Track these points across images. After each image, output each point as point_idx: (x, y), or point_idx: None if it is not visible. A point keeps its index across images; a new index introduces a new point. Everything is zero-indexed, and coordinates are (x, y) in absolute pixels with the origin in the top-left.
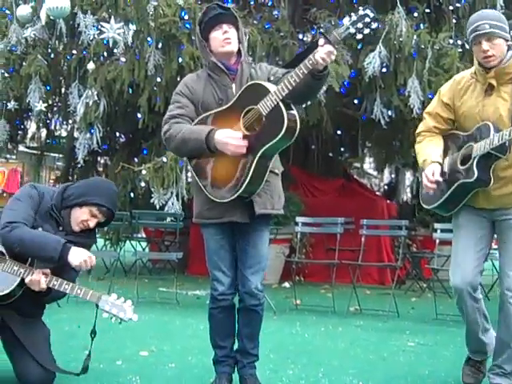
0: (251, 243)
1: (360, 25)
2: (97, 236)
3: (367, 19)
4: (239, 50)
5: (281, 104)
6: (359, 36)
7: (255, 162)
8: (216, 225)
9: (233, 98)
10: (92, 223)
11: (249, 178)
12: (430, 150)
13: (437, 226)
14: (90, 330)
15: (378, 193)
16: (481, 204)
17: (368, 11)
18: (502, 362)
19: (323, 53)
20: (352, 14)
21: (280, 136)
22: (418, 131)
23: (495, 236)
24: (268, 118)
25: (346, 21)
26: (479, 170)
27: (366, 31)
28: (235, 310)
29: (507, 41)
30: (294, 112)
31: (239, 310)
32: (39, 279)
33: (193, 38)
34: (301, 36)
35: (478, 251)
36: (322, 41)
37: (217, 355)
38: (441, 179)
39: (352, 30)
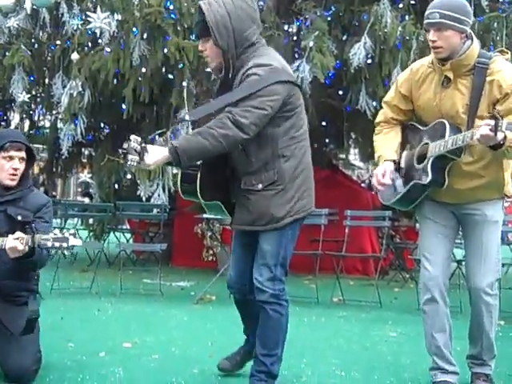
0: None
1: None
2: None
3: None
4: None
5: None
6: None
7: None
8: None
9: None
10: (15, 164)
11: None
12: (385, 146)
13: None
14: (73, 324)
15: (363, 184)
16: (443, 198)
17: None
18: (479, 354)
19: None
20: None
21: None
22: (376, 121)
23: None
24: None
25: None
26: (433, 171)
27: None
28: (249, 305)
29: (462, 33)
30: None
31: None
32: (15, 245)
33: (178, 28)
34: (286, 27)
35: (446, 243)
36: None
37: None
38: (390, 183)
39: None
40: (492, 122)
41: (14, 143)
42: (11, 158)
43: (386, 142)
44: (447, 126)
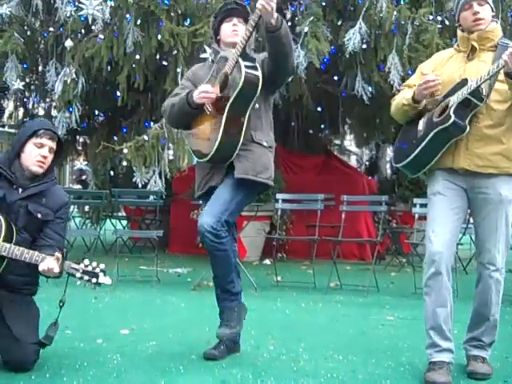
0: (216, 192)
1: None
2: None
3: None
4: None
5: (239, 59)
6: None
7: (225, 116)
8: (204, 195)
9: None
10: (44, 152)
11: (221, 131)
12: (406, 92)
13: (416, 200)
14: (70, 311)
15: (358, 169)
16: (461, 163)
17: None
18: (480, 335)
19: (262, 0)
20: None
21: (240, 85)
22: (393, 99)
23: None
24: (231, 75)
25: None
26: (456, 115)
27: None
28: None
29: (493, 10)
30: (256, 71)
31: None
32: (53, 267)
33: (172, 14)
34: (280, 13)
35: (455, 220)
36: None
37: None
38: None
39: None
40: None
41: (48, 131)
42: (42, 145)
43: (409, 90)
44: (469, 79)
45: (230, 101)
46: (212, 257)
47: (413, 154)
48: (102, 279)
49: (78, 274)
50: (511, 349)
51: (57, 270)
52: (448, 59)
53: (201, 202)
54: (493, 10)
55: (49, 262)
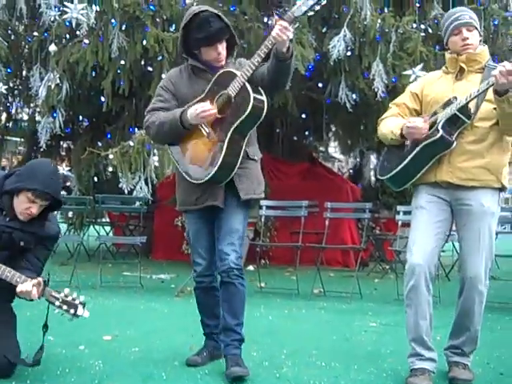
0: (226, 221)
1: (311, 1)
2: (57, 223)
3: None
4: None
5: (247, 84)
6: (310, 13)
7: (226, 142)
8: (197, 210)
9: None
10: (34, 209)
11: (222, 156)
12: (396, 121)
13: (399, 208)
14: (52, 316)
15: (343, 176)
16: (444, 177)
17: None
18: (461, 344)
19: (278, 29)
20: None
21: (247, 112)
22: (380, 118)
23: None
24: (236, 99)
25: (299, 2)
26: (444, 130)
27: (317, 7)
28: (217, 292)
29: (480, 35)
30: (262, 96)
31: (220, 286)
32: (31, 290)
33: (157, 20)
34: (266, 19)
35: (437, 234)
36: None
37: (204, 330)
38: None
39: (304, 9)
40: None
41: (43, 194)
42: (34, 202)
43: (396, 119)
44: (459, 96)
45: (235, 125)
46: (233, 293)
47: (398, 168)
48: (80, 311)
49: (57, 303)
50: (493, 355)
51: (35, 296)
52: (437, 79)
53: (186, 214)
54: (480, 35)
55: (27, 286)
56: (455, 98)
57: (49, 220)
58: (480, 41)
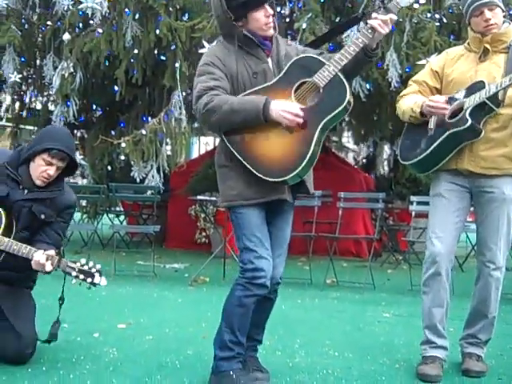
0: (279, 227)
1: None
2: (72, 192)
3: None
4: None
5: (340, 75)
6: (416, 5)
7: (316, 135)
8: (259, 204)
9: (278, 73)
10: (51, 171)
11: (310, 152)
12: (416, 98)
13: (413, 198)
14: (67, 305)
15: (356, 166)
16: (465, 165)
17: None
18: (477, 332)
19: (377, 23)
20: None
21: (343, 106)
22: (400, 95)
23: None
24: (326, 90)
25: None
26: (472, 118)
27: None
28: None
29: (503, 11)
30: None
31: None
32: (44, 262)
33: (170, 9)
34: (279, 9)
35: (456, 222)
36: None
37: (233, 351)
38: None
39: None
40: None
41: (61, 153)
42: (51, 163)
43: (416, 96)
44: (485, 81)
45: (326, 119)
46: (267, 309)
47: (423, 154)
48: (98, 279)
49: (74, 273)
50: (506, 346)
51: (49, 267)
52: (459, 57)
53: (238, 208)
54: (503, 11)
55: (41, 257)
56: (482, 82)
57: (64, 188)
58: (504, 16)
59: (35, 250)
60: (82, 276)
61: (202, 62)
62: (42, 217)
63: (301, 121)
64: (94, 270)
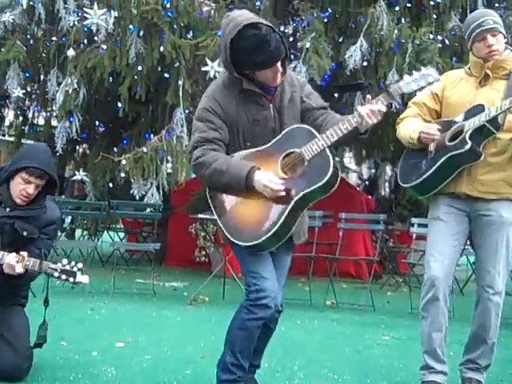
0: (280, 253)
1: (422, 83)
2: (57, 208)
3: (430, 79)
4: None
5: (327, 150)
6: (418, 93)
7: (290, 207)
8: None
9: (279, 121)
10: (30, 189)
11: (281, 221)
12: (414, 124)
13: (414, 220)
14: (66, 322)
15: (358, 188)
16: (463, 188)
17: (432, 71)
18: (476, 357)
19: (366, 112)
20: (414, 71)
21: (323, 182)
22: (400, 117)
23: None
24: (311, 163)
25: (408, 77)
26: (472, 141)
27: (426, 90)
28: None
29: (505, 37)
30: (337, 166)
31: None
32: (13, 264)
33: (175, 26)
34: (282, 28)
35: (455, 246)
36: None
37: (234, 374)
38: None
39: (414, 87)
40: None
41: (38, 171)
42: (29, 182)
43: (415, 121)
44: (485, 104)
45: (304, 192)
46: (267, 336)
47: (423, 177)
48: (79, 278)
49: (56, 274)
50: (506, 372)
51: (19, 269)
52: (459, 81)
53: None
54: (505, 37)
55: (10, 259)
56: (482, 105)
57: (47, 206)
58: (506, 43)
59: (7, 254)
60: (64, 276)
61: (202, 105)
62: (25, 233)
63: (282, 194)
64: (75, 269)
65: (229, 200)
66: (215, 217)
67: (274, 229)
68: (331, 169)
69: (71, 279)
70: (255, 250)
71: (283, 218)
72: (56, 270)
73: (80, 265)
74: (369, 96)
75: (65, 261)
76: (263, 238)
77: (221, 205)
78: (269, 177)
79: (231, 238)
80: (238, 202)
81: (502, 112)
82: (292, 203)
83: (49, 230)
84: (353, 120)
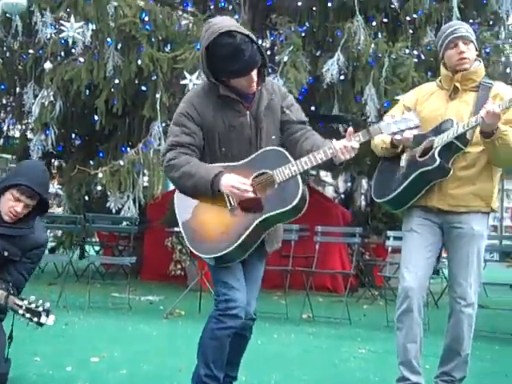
0: (252, 262)
1: (402, 126)
2: (45, 231)
3: (411, 124)
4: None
5: (299, 177)
6: (398, 137)
7: (253, 226)
8: None
9: (255, 127)
10: (18, 208)
11: (241, 240)
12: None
13: (389, 233)
14: (40, 337)
15: (334, 201)
16: (434, 203)
17: (413, 116)
18: (451, 370)
19: (340, 147)
20: (396, 114)
21: (289, 207)
22: None
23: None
24: (281, 187)
25: (389, 119)
26: (441, 157)
27: (406, 134)
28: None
29: (476, 50)
30: (306, 192)
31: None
32: None
33: (152, 39)
34: (260, 41)
35: (428, 257)
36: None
37: None
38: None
39: (394, 129)
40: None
41: (29, 190)
42: (19, 200)
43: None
44: (454, 120)
45: (267, 214)
46: (240, 342)
47: (395, 192)
48: (44, 319)
49: (21, 311)
50: None
51: None
52: (430, 95)
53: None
54: (476, 49)
55: None
56: (451, 121)
57: (35, 227)
58: (477, 55)
59: None
60: (28, 315)
61: (179, 110)
62: (6, 254)
63: (250, 195)
64: (40, 309)
65: (194, 206)
66: (179, 222)
67: (232, 247)
68: (299, 196)
69: (35, 319)
70: (221, 262)
71: (243, 237)
72: (21, 307)
73: (47, 304)
74: (350, 128)
75: (32, 298)
76: (223, 252)
77: (186, 210)
78: (238, 178)
79: (192, 249)
80: (204, 210)
81: (469, 129)
82: (256, 222)
83: (33, 254)
84: (328, 151)
